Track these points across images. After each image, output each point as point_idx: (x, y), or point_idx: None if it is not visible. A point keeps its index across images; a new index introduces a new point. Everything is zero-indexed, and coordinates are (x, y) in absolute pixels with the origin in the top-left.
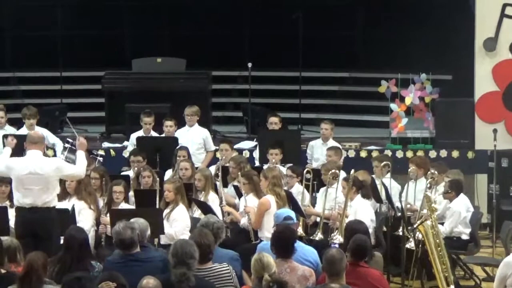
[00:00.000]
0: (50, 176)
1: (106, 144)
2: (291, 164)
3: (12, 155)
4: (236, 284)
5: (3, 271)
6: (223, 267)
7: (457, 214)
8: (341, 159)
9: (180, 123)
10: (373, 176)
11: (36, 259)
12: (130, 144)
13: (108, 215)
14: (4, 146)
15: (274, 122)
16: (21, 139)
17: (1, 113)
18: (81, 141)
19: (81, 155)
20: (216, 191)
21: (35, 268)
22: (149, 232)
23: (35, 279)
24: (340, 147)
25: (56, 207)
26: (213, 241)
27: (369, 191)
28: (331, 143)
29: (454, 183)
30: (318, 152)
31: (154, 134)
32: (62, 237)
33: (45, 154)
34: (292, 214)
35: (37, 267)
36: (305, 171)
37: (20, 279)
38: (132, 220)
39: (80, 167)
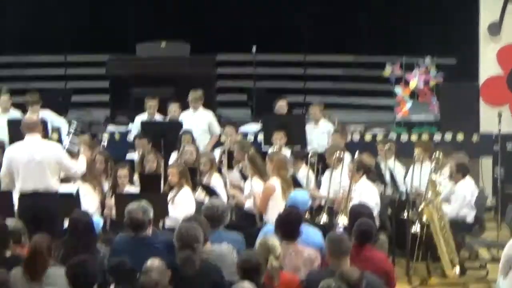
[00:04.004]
0: (49, 160)
1: (110, 128)
2: (295, 148)
3: (18, 140)
4: None
5: (8, 253)
6: (224, 248)
7: (462, 197)
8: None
9: (185, 107)
10: (378, 159)
11: (41, 241)
12: (135, 127)
13: (112, 199)
14: (9, 131)
15: (282, 106)
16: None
17: (5, 97)
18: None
19: (81, 158)
20: (220, 174)
21: (40, 251)
22: (152, 215)
23: (40, 261)
24: (333, 128)
25: (59, 191)
26: (201, 233)
27: (375, 174)
28: (322, 123)
29: (460, 166)
30: (311, 135)
31: (158, 117)
32: (66, 221)
33: (49, 138)
34: (304, 202)
35: (42, 249)
36: (310, 155)
37: (25, 261)
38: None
39: (78, 165)
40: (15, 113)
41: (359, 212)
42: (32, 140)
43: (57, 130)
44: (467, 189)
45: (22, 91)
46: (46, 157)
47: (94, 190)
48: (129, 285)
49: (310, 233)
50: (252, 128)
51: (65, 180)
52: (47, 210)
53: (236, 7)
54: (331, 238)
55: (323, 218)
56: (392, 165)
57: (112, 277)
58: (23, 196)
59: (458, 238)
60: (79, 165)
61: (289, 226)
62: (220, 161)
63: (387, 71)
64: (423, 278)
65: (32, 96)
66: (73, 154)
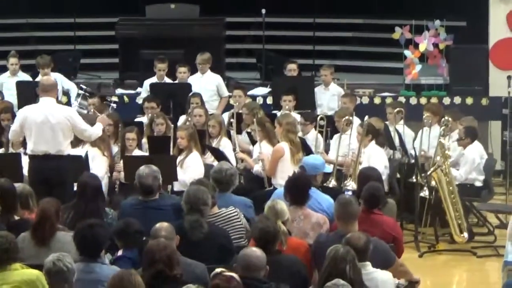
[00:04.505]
0: (63, 124)
1: (119, 91)
2: (306, 111)
3: (26, 103)
4: (246, 226)
5: (16, 217)
6: (230, 211)
7: (471, 161)
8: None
9: (194, 69)
10: (387, 122)
11: (49, 206)
12: (144, 90)
13: (121, 162)
14: (17, 93)
15: (292, 69)
16: (34, 86)
17: (14, 59)
18: (102, 117)
19: (98, 126)
20: (229, 137)
21: (48, 215)
22: (161, 180)
23: (48, 226)
24: (343, 91)
25: (70, 154)
26: (209, 195)
27: (383, 138)
28: (333, 87)
29: (468, 130)
30: (321, 98)
31: (167, 80)
32: (75, 184)
33: (59, 101)
34: (316, 166)
35: (50, 214)
36: (319, 118)
37: (34, 226)
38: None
39: (93, 129)
40: (24, 76)
41: (367, 176)
42: (48, 102)
43: (67, 93)
44: (476, 153)
45: (30, 53)
46: (60, 121)
47: (103, 154)
48: (136, 246)
49: (320, 198)
50: (261, 91)
51: (74, 144)
52: (58, 173)
53: None
54: (340, 202)
55: (332, 182)
56: (401, 129)
57: (119, 239)
58: (34, 158)
59: (466, 203)
60: (95, 130)
61: (297, 190)
62: (230, 124)
63: (397, 33)
64: (431, 244)
65: (43, 58)
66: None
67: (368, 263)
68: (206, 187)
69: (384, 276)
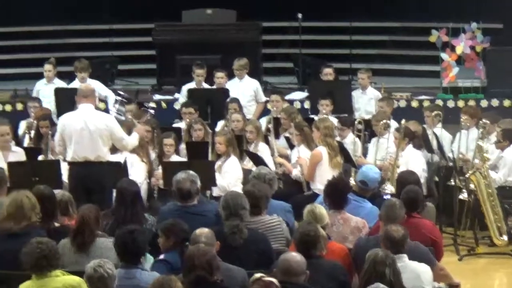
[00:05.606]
0: (102, 131)
1: (157, 97)
2: (343, 115)
3: (65, 109)
4: (287, 235)
5: (56, 224)
6: (273, 219)
7: (510, 163)
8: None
9: (231, 75)
10: (425, 126)
11: (88, 213)
12: (182, 96)
13: (159, 167)
14: (56, 100)
15: (329, 73)
16: (72, 92)
17: (48, 66)
18: (139, 128)
19: (134, 135)
20: (267, 142)
21: (87, 222)
22: (199, 184)
23: (88, 232)
24: (380, 95)
25: (109, 160)
26: (266, 193)
27: (421, 141)
28: (370, 91)
29: (506, 132)
30: (358, 102)
31: (205, 86)
32: (114, 190)
33: (97, 108)
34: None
35: (90, 220)
36: (356, 122)
37: (73, 232)
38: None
39: (130, 139)
40: (60, 83)
41: (406, 180)
42: (86, 108)
43: (104, 100)
44: None
45: (68, 60)
46: (99, 127)
47: (142, 160)
48: (180, 248)
49: (361, 207)
50: (298, 95)
51: (113, 150)
52: (98, 179)
53: None
54: (386, 204)
55: None
56: (439, 132)
57: (167, 235)
58: (74, 165)
59: (505, 205)
60: (131, 140)
61: (336, 194)
62: (267, 129)
63: (433, 36)
64: (470, 247)
65: (81, 63)
66: (121, 123)
67: (405, 255)
68: (265, 190)
69: (423, 267)
